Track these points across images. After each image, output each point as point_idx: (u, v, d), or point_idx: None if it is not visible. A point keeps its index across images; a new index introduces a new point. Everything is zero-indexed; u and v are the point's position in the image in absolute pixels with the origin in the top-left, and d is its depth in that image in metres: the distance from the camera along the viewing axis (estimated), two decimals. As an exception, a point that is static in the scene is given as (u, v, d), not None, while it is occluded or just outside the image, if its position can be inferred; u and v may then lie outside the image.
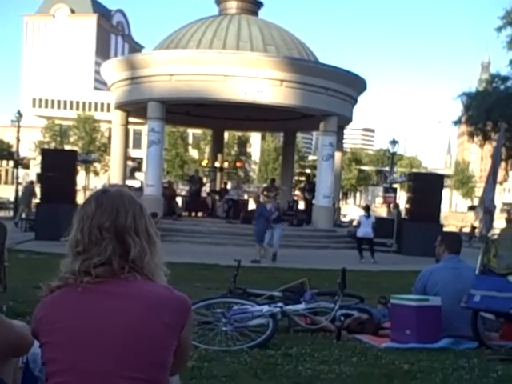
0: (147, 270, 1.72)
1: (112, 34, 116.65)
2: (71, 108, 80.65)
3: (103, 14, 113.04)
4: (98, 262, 1.68)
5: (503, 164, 32.37)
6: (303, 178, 37.41)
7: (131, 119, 24.67)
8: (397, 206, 23.09)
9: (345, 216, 28.42)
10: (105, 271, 1.68)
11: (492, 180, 6.38)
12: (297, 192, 32.44)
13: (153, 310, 1.65)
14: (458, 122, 33.18)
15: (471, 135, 32.08)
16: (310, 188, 22.90)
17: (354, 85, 22.08)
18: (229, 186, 24.43)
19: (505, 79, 30.21)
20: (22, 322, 2.05)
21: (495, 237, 6.05)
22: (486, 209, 6.29)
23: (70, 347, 1.63)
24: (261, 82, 19.76)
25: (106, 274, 1.68)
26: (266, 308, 5.45)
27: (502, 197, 72.77)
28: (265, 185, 35.58)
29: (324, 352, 4.90)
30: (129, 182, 27.53)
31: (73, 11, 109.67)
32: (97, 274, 1.67)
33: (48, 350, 1.67)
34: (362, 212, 18.56)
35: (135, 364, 1.62)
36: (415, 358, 4.82)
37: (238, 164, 51.83)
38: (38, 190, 19.64)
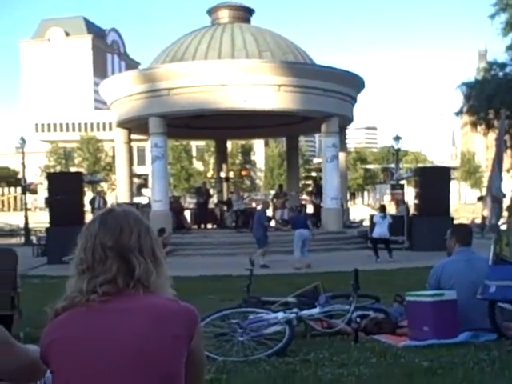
0: (153, 289, 1.72)
1: (108, 53, 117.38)
2: (73, 130, 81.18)
3: (98, 33, 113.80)
4: (104, 280, 1.68)
5: (509, 151, 32.21)
6: (310, 182, 37.36)
7: (134, 136, 24.76)
8: (404, 202, 22.97)
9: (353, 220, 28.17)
10: (110, 288, 1.68)
11: (497, 168, 6.34)
12: (304, 196, 32.38)
13: (160, 324, 1.64)
14: (459, 113, 33.09)
15: (474, 125, 31.97)
16: (317, 191, 22.85)
17: (353, 84, 22.07)
18: (233, 198, 24.29)
19: (503, 66, 30.12)
20: (36, 346, 2.04)
21: (505, 226, 6.00)
22: (493, 197, 6.24)
23: (78, 373, 1.63)
24: (259, 88, 19.79)
25: (111, 290, 1.68)
26: (281, 315, 5.43)
27: (510, 184, 72.24)
28: (272, 191, 35.59)
29: (342, 355, 4.87)
30: (136, 199, 27.56)
31: (67, 34, 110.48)
32: (103, 291, 1.67)
33: (58, 376, 1.67)
34: (375, 212, 18.42)
35: (145, 380, 1.61)
36: (435, 355, 4.78)
37: (244, 173, 51.97)
38: (47, 214, 19.69)
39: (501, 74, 30.22)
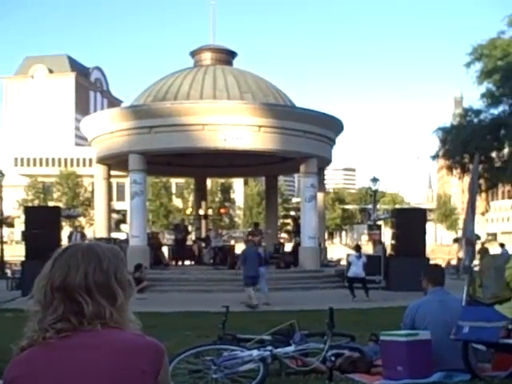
0: (114, 324, 1.69)
1: (91, 90, 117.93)
2: (53, 165, 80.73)
3: (81, 71, 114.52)
4: (54, 319, 1.66)
5: (484, 195, 32.82)
6: (288, 221, 37.45)
7: (113, 172, 24.74)
8: (380, 243, 23.17)
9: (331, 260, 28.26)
10: (64, 325, 1.66)
11: (470, 211, 6.48)
12: (283, 235, 32.44)
13: (127, 358, 1.63)
14: (435, 157, 33.72)
15: (450, 168, 32.62)
16: (297, 230, 22.93)
17: (332, 126, 22.44)
18: (211, 235, 24.24)
19: (478, 112, 30.94)
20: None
21: (477, 267, 6.11)
22: (467, 240, 6.38)
23: None
24: (239, 128, 20.02)
25: (66, 327, 1.66)
26: (255, 352, 5.42)
27: (485, 227, 73.25)
28: (250, 229, 35.57)
29: (316, 394, 4.87)
30: (114, 235, 27.35)
31: (51, 71, 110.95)
32: (59, 328, 1.65)
33: None
34: (352, 251, 18.49)
35: None
36: (408, 394, 4.80)
37: (222, 210, 51.98)
38: (23, 247, 19.46)
39: (476, 120, 31.01)
